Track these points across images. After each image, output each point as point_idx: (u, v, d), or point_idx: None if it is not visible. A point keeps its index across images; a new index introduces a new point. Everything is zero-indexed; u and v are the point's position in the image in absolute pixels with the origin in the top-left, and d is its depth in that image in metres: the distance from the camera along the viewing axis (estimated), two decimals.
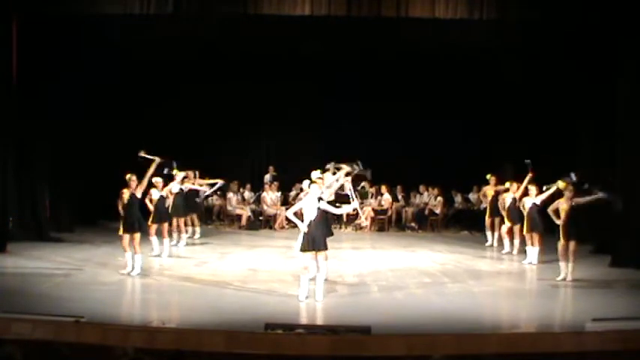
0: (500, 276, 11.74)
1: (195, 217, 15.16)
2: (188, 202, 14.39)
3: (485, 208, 15.30)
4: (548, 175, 12.72)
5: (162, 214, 12.93)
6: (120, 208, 11.23)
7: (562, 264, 11.02)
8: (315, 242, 9.30)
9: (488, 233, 14.98)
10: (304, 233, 9.35)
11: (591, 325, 7.38)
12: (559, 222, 11.03)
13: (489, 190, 14.87)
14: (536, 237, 12.53)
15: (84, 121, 15.67)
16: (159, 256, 12.66)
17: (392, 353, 6.87)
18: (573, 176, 11.73)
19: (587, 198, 11.17)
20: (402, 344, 6.93)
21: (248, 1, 12.68)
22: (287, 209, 17.34)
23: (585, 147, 14.79)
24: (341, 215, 17.72)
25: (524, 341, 7.28)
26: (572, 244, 10.90)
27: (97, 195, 16.03)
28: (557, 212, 11.13)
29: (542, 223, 12.41)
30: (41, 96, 14.34)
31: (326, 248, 9.41)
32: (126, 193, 11.01)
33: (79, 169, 15.71)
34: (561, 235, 10.95)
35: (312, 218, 9.32)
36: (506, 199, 13.65)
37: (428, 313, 8.91)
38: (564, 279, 10.90)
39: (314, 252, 9.33)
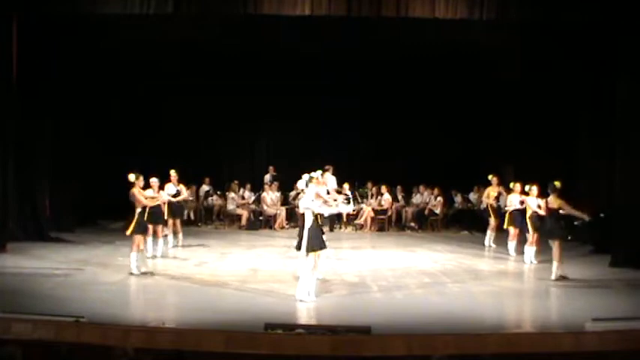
0: (500, 276, 11.73)
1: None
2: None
3: (485, 209, 15.21)
4: (547, 175, 12.71)
5: (157, 216, 12.89)
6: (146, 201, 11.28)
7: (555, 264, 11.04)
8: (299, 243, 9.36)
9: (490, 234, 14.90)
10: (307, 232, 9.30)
11: (591, 325, 7.38)
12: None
13: (492, 192, 14.75)
14: (535, 236, 12.53)
15: (84, 121, 15.66)
16: (155, 257, 12.64)
17: (392, 353, 6.87)
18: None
19: (575, 212, 11.34)
20: (402, 344, 6.93)
21: (248, 1, 12.66)
22: (287, 209, 17.56)
23: (585, 147, 14.79)
24: (340, 214, 17.79)
25: (524, 341, 7.28)
26: (556, 244, 10.94)
27: (97, 195, 16.02)
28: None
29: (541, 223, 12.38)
30: (41, 96, 14.34)
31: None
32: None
33: (79, 169, 15.71)
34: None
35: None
36: (512, 200, 13.55)
37: (428, 313, 8.91)
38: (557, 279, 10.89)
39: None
